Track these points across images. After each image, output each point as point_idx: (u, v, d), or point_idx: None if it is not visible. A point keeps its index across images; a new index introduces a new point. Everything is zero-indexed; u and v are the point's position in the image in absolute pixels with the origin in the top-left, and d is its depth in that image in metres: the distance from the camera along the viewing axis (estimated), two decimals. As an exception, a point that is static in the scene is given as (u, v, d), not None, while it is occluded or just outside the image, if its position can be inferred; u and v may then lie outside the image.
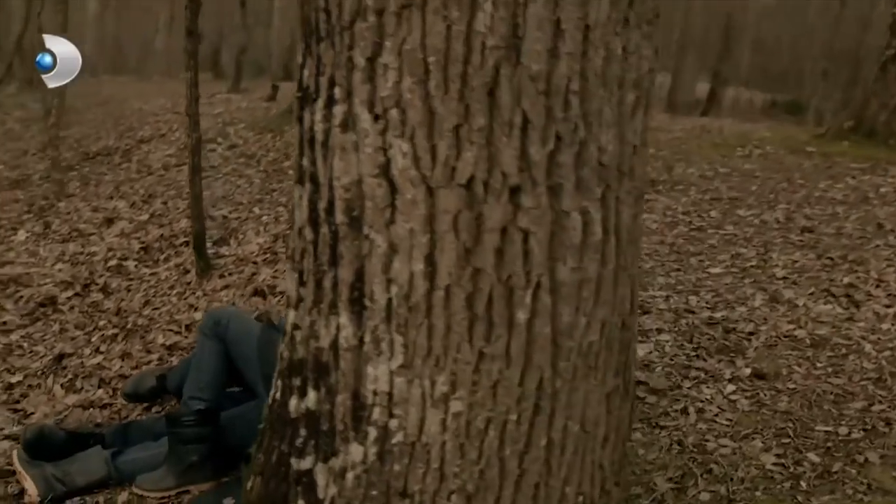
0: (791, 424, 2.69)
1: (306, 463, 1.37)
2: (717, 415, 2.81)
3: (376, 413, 1.32)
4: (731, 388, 2.97)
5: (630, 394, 1.51)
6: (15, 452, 2.56)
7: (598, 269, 1.32)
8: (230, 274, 4.19)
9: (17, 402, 3.30)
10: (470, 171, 1.22)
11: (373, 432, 1.32)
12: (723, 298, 3.67)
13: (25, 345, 3.82)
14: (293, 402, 1.40)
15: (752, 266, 3.98)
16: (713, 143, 6.70)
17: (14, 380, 3.49)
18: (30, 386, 3.42)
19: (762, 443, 2.61)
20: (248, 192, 5.56)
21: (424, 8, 1.18)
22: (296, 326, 1.39)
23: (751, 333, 3.33)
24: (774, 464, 2.50)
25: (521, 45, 1.19)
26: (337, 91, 1.26)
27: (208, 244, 4.48)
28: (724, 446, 2.61)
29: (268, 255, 4.41)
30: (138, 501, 2.40)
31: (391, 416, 1.31)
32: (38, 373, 3.50)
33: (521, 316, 1.27)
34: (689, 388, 2.98)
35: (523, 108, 1.21)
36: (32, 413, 3.17)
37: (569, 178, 1.25)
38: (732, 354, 3.18)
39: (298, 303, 1.39)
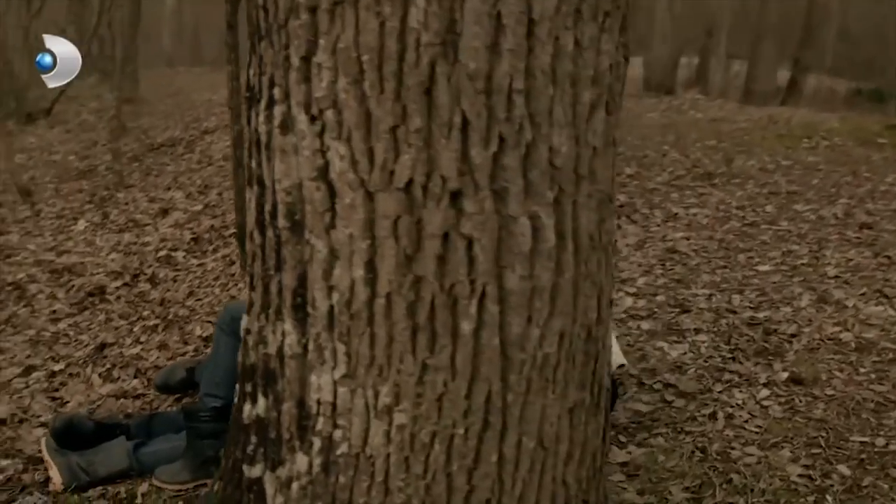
0: (824, 434, 2.55)
1: (256, 471, 1.34)
2: (746, 421, 2.68)
3: (320, 423, 1.28)
4: (764, 392, 2.83)
5: (601, 407, 1.43)
6: (44, 440, 2.62)
7: (552, 277, 1.24)
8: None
9: (56, 390, 3.38)
10: (408, 175, 1.16)
11: (317, 442, 1.28)
12: (768, 298, 3.51)
13: (72, 333, 3.92)
14: (246, 408, 1.37)
15: (802, 264, 3.80)
16: (778, 134, 6.44)
17: (57, 368, 3.58)
18: (70, 374, 3.50)
19: (791, 452, 2.48)
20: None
21: (357, 4, 1.13)
22: (247, 331, 1.36)
23: (793, 335, 3.18)
24: (801, 475, 2.38)
25: (459, 41, 1.13)
26: (276, 91, 1.22)
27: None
28: (750, 455, 2.49)
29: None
30: (157, 493, 2.42)
31: (335, 426, 1.27)
32: (80, 362, 3.58)
33: (467, 326, 1.21)
34: (720, 391, 2.86)
35: (462, 109, 1.14)
36: (68, 402, 3.24)
37: (515, 182, 1.18)
38: (771, 357, 3.04)
39: (250, 307, 1.36)
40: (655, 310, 3.51)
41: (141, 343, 3.71)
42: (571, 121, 1.21)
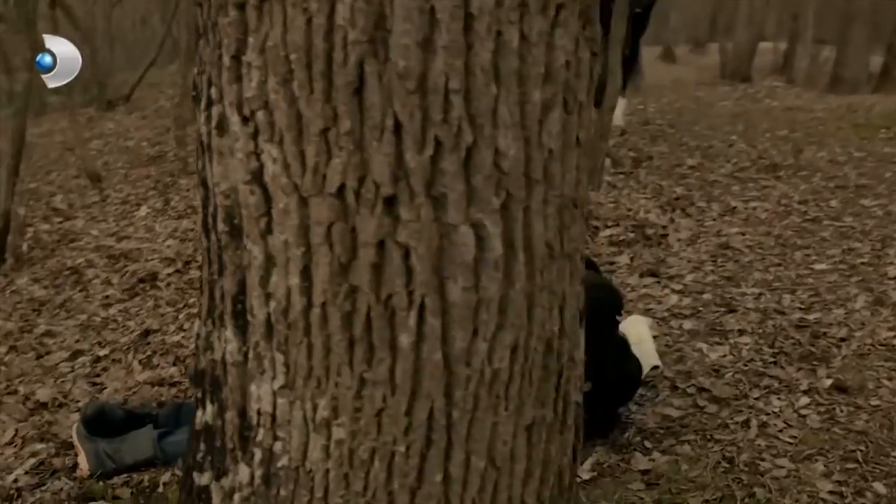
0: (863, 447, 2.40)
1: (204, 479, 1.31)
2: (781, 430, 2.54)
3: (261, 434, 1.23)
4: (804, 400, 2.68)
5: (568, 424, 1.35)
6: (75, 427, 2.67)
7: (500, 289, 1.17)
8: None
9: (98, 375, 3.45)
10: (339, 180, 1.10)
11: (258, 454, 1.24)
12: (821, 299, 3.34)
13: (120, 319, 4.00)
14: (198, 414, 1.34)
15: (862, 263, 3.60)
16: (855, 124, 6.11)
17: (102, 353, 3.66)
18: (113, 360, 3.57)
19: (824, 466, 2.34)
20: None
21: (284, 1, 1.07)
22: (198, 335, 1.33)
23: (842, 339, 3.01)
24: (831, 491, 2.24)
25: (389, 38, 1.06)
26: (213, 91, 1.18)
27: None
28: (780, 467, 2.36)
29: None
30: (178, 483, 2.44)
31: (276, 438, 1.23)
32: (124, 348, 3.65)
33: (405, 339, 1.15)
34: (756, 398, 2.72)
35: (394, 110, 1.07)
36: (106, 388, 3.31)
37: (454, 188, 1.11)
38: (816, 362, 2.88)
39: (200, 311, 1.32)
40: (700, 308, 3.37)
41: (184, 331, 3.76)
42: (519, 121, 1.13)
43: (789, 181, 4.76)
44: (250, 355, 1.22)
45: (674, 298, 3.47)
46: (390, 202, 1.11)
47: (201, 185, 1.26)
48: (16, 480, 2.62)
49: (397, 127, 1.08)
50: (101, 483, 2.50)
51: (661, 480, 2.33)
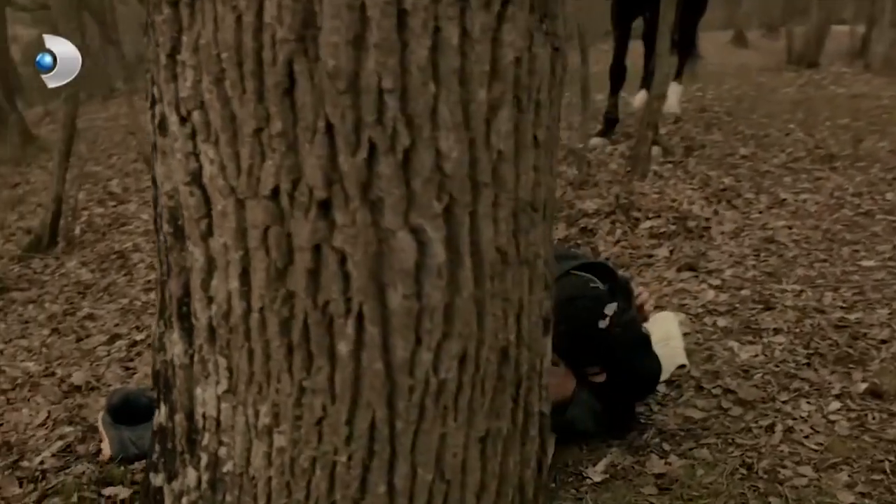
0: (892, 457, 2.28)
1: (158, 480, 1.30)
2: (806, 437, 2.43)
3: (206, 438, 1.22)
4: (835, 405, 2.56)
5: (532, 436, 1.30)
6: (101, 415, 2.72)
7: (445, 296, 1.12)
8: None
9: (132, 360, 3.51)
10: (273, 182, 1.07)
11: (205, 458, 1.22)
12: (865, 297, 3.18)
13: (160, 304, 4.04)
14: (155, 414, 1.33)
15: (915, 260, 3.41)
16: (925, 111, 5.82)
17: (139, 337, 3.72)
18: (148, 345, 3.62)
19: (849, 476, 2.23)
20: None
21: (215, -3, 1.04)
22: (154, 335, 1.32)
23: (883, 341, 2.87)
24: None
25: (319, 36, 1.01)
26: (155, 90, 1.15)
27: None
28: (801, 476, 2.25)
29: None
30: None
31: (220, 443, 1.21)
32: (160, 332, 3.68)
33: (344, 347, 1.11)
34: (784, 401, 2.60)
35: (325, 111, 1.03)
36: (136, 373, 3.36)
37: (391, 192, 1.06)
38: (852, 365, 2.75)
39: (155, 310, 1.31)
40: (737, 305, 3.25)
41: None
42: (462, 122, 1.07)
43: (845, 172, 4.54)
44: (196, 358, 1.20)
45: (710, 294, 3.35)
46: (325, 206, 1.07)
47: (153, 184, 1.24)
48: (42, 462, 2.67)
49: (329, 128, 1.04)
50: (121, 468, 2.54)
51: (675, 486, 2.25)
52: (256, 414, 1.17)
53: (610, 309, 2.23)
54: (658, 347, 2.93)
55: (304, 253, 1.08)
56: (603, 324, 2.20)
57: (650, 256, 3.74)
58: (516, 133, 1.13)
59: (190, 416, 1.23)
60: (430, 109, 1.05)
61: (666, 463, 2.33)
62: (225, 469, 1.21)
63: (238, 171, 1.08)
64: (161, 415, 1.30)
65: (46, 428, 2.95)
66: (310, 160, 1.05)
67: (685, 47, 5.92)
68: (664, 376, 2.76)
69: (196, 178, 1.12)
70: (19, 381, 3.44)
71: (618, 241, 3.88)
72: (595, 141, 5.40)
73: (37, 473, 2.62)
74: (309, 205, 1.06)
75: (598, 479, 2.28)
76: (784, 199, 4.22)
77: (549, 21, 1.15)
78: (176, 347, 1.22)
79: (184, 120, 1.11)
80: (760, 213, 4.09)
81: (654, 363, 2.49)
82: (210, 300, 1.16)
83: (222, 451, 1.20)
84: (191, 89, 1.09)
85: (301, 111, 1.04)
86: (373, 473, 1.16)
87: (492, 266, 1.15)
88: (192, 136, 1.11)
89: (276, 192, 1.07)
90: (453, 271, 1.12)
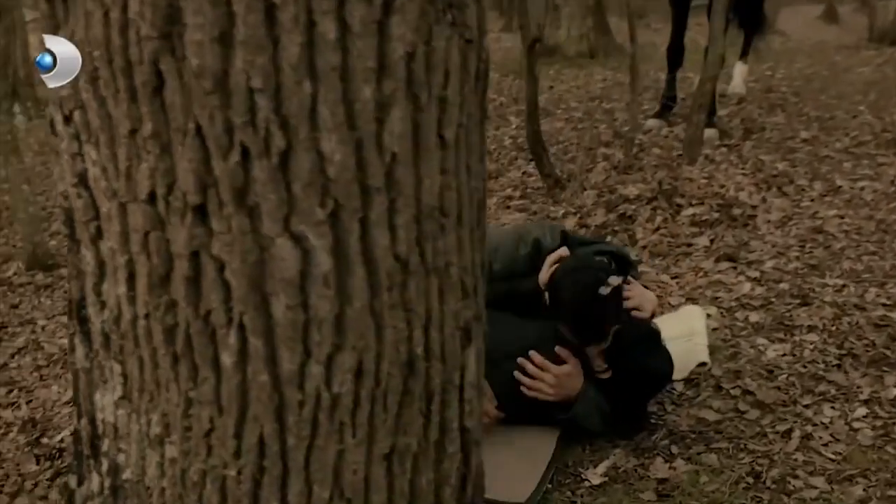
0: (915, 472, 2.11)
1: (73, 482, 1.28)
2: (825, 445, 2.28)
3: (106, 444, 1.19)
4: (861, 412, 2.39)
5: (449, 452, 1.22)
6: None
7: (334, 307, 1.05)
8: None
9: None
10: (149, 186, 1.02)
11: (105, 464, 1.20)
12: (912, 295, 2.96)
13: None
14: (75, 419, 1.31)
15: (972, 257, 3.17)
16: None
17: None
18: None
19: (864, 490, 2.08)
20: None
21: (84, -8, 0.99)
22: (68, 336, 1.29)
23: (925, 344, 2.66)
24: (863, 521, 1.98)
25: (185, 33, 0.96)
26: (43, 88, 1.12)
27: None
28: (812, 487, 2.11)
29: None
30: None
31: (119, 450, 1.18)
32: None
33: (227, 359, 1.06)
34: (806, 405, 2.45)
35: (195, 113, 0.98)
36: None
37: (267, 197, 1.00)
38: (886, 368, 2.57)
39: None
40: (772, 300, 3.07)
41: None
42: (345, 122, 1.00)
43: (913, 158, 4.26)
44: (94, 363, 1.17)
45: (746, 287, 3.18)
46: (201, 212, 1.01)
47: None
48: (62, 440, 2.73)
49: (199, 130, 0.98)
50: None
51: (675, 493, 2.14)
52: (149, 423, 1.13)
53: (614, 280, 2.14)
54: (680, 343, 2.79)
55: (182, 260, 1.03)
56: (604, 290, 2.10)
57: (689, 245, 3.58)
58: (415, 133, 1.05)
59: (92, 420, 1.20)
60: (307, 110, 0.98)
61: (671, 467, 2.22)
62: (124, 476, 1.18)
63: (118, 173, 1.04)
64: (75, 417, 1.28)
65: (72, 406, 3.01)
66: (182, 163, 1.00)
67: (751, 25, 5.63)
68: (682, 374, 2.63)
69: (83, 179, 1.09)
70: (55, 357, 3.52)
71: (657, 229, 3.72)
72: (651, 122, 5.21)
73: (54, 451, 2.67)
74: (184, 210, 1.01)
75: (596, 481, 2.18)
76: (840, 187, 3.98)
77: (455, 11, 1.06)
78: (78, 350, 1.19)
79: (67, 120, 1.07)
80: (812, 201, 3.86)
81: (663, 361, 2.36)
82: (103, 304, 1.13)
83: (121, 458, 1.18)
84: (70, 88, 1.05)
85: (171, 112, 0.99)
86: (264, 489, 1.11)
87: (389, 275, 1.08)
88: (77, 136, 1.07)
89: (153, 197, 1.02)
90: (343, 281, 1.05)
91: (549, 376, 2.19)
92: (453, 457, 1.23)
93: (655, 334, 2.41)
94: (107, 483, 1.20)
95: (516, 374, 2.20)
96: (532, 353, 2.18)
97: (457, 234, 1.15)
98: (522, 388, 2.21)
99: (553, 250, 2.30)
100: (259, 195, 1.00)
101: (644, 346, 2.28)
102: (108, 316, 1.12)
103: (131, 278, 1.08)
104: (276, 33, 0.95)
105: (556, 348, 2.18)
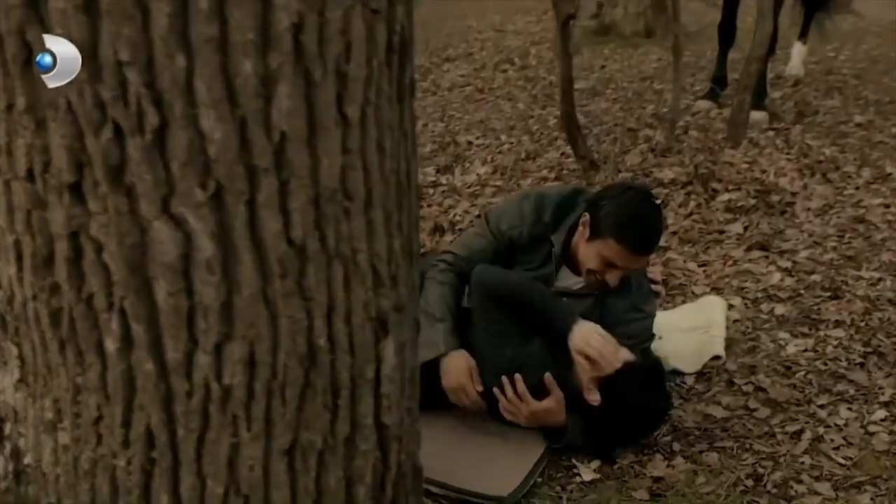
0: (928, 482, 1.97)
1: (-11, 464, 1.26)
2: (836, 448, 2.15)
3: (8, 428, 1.16)
4: (879, 414, 2.26)
5: (361, 449, 1.16)
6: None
7: (220, 295, 1.00)
8: (429, 205, 4.06)
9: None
10: (26, 163, 0.98)
11: (8, 447, 1.17)
12: (952, 292, 2.78)
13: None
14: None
15: None
16: None
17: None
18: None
19: (871, 499, 1.96)
20: (508, 116, 5.33)
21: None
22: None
23: (959, 344, 2.49)
24: (866, 533, 1.85)
25: (49, 1, 0.90)
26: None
27: (431, 171, 4.37)
28: (816, 493, 2.00)
29: (477, 188, 4.21)
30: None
31: (20, 434, 1.15)
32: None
33: (111, 345, 1.01)
34: (821, 405, 2.32)
35: (64, 87, 0.93)
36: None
37: (142, 178, 0.95)
38: (912, 369, 2.40)
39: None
40: (801, 292, 2.92)
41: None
42: (225, 98, 0.94)
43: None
44: (-4, 344, 1.14)
45: (776, 277, 3.03)
46: (77, 190, 0.96)
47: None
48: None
49: (70, 106, 0.93)
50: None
51: (669, 493, 2.04)
52: (43, 408, 1.10)
53: None
54: (697, 334, 2.68)
55: (62, 241, 0.99)
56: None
57: (721, 233, 3.43)
58: (309, 111, 0.98)
59: (-4, 403, 1.17)
60: (182, 84, 0.92)
61: (669, 465, 2.12)
62: (25, 461, 1.15)
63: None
64: (-9, 398, 1.25)
65: None
66: (55, 140, 0.95)
67: (814, 3, 5.36)
68: (695, 367, 2.52)
69: (-30, 154, 1.04)
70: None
71: (689, 214, 3.57)
72: (701, 104, 5.01)
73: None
74: (60, 189, 0.97)
75: (588, 477, 2.10)
76: (889, 174, 3.76)
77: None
78: (-19, 330, 1.16)
79: (-51, 93, 1.03)
80: (857, 188, 3.65)
81: (661, 399, 2.23)
82: (-2, 284, 1.09)
83: (21, 442, 1.15)
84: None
85: (42, 86, 0.93)
86: (155, 480, 1.07)
87: (282, 261, 1.01)
88: (-39, 110, 1.03)
89: (30, 174, 0.98)
90: (230, 266, 0.99)
91: (525, 408, 2.12)
92: (367, 454, 1.16)
93: (659, 370, 2.30)
94: (10, 467, 1.17)
95: (495, 391, 2.13)
96: (517, 377, 2.10)
97: (366, 218, 1.07)
98: (500, 406, 2.15)
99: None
100: (135, 174, 0.94)
101: (645, 379, 2.15)
102: (3, 296, 1.08)
103: (19, 259, 1.04)
104: (144, 2, 0.89)
105: (545, 375, 2.10)
